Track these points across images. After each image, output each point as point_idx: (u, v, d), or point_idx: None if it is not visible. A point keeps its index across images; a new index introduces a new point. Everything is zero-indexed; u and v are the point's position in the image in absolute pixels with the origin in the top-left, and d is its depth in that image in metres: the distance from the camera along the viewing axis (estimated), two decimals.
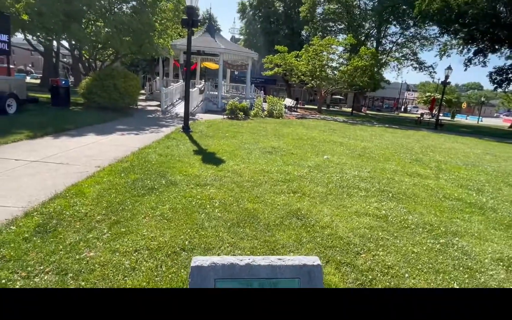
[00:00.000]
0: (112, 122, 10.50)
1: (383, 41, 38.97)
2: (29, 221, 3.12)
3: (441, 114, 26.65)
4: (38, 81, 31.05)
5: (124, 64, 26.06)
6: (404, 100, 61.08)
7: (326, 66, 24.58)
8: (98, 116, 11.20)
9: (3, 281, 2.27)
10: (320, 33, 36.83)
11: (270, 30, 39.69)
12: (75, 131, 8.41)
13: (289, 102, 25.28)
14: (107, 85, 12.81)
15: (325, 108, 35.84)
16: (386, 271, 2.84)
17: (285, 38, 38.03)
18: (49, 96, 13.49)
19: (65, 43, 17.95)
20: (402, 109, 56.34)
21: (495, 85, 29.89)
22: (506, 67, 29.08)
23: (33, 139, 6.98)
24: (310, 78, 25.09)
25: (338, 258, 2.98)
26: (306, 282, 1.80)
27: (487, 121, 47.50)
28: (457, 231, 3.87)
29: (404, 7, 32.96)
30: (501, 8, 25.12)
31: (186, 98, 9.80)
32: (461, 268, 3.02)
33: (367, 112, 40.75)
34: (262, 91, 25.81)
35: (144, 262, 2.65)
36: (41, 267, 2.46)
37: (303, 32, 42.19)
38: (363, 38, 37.04)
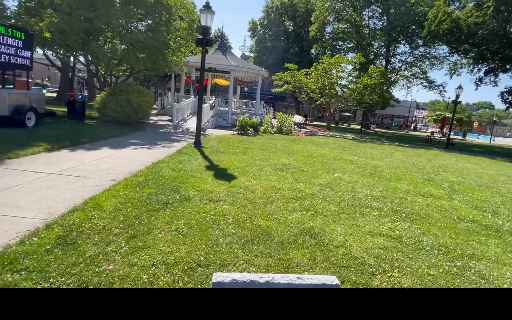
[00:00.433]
0: (125, 137, 10.74)
1: (392, 60, 39.20)
2: (50, 233, 3.21)
3: (452, 133, 26.40)
4: (54, 95, 32.03)
5: (137, 79, 26.78)
6: (413, 118, 60.78)
7: (335, 84, 24.77)
8: (112, 130, 11.47)
9: None
10: (329, 52, 37.34)
11: (280, 48, 40.41)
12: (90, 144, 8.62)
13: (298, 118, 25.44)
14: (121, 100, 13.16)
15: (333, 125, 35.88)
16: None
17: (294, 56, 38.63)
18: (65, 109, 13.93)
19: (81, 58, 18.67)
20: (412, 127, 56.00)
21: (507, 105, 29.57)
22: None
23: (51, 152, 7.19)
24: (320, 95, 25.29)
25: (353, 278, 2.97)
26: None
27: (499, 141, 46.79)
28: (473, 254, 3.81)
29: (413, 27, 33.31)
30: None
31: (198, 114, 10.00)
32: None
33: (376, 129, 40.62)
34: (271, 108, 26.12)
35: (162, 277, 2.69)
36: (63, 279, 2.52)
37: (312, 50, 42.82)
38: (372, 56, 37.39)
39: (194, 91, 22.63)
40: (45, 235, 3.16)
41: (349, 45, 39.60)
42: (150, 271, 2.75)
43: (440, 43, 30.18)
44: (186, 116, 17.84)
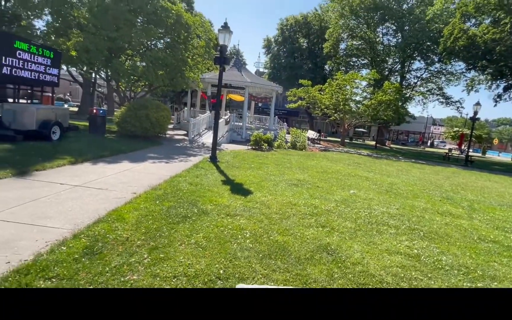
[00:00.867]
0: (143, 150, 11.06)
1: (407, 76, 38.96)
2: (78, 243, 3.37)
3: (470, 150, 25.76)
4: (75, 109, 33.35)
5: (155, 95, 27.59)
6: (430, 134, 59.67)
7: (349, 100, 24.80)
8: (131, 144, 11.83)
9: None
10: (343, 68, 37.55)
11: (294, 64, 40.94)
12: (111, 158, 8.94)
13: (311, 134, 25.48)
14: (140, 115, 13.61)
15: (348, 141, 35.67)
16: None
17: (308, 72, 39.02)
18: (86, 123, 14.51)
19: (102, 74, 19.50)
20: (429, 144, 54.92)
21: None
22: None
23: (74, 165, 7.51)
24: (334, 111, 25.33)
25: None
26: None
27: None
28: (495, 275, 3.73)
29: (428, 43, 33.16)
30: None
31: (214, 130, 10.24)
32: None
33: (392, 146, 40.08)
34: (285, 123, 26.29)
35: None
36: (91, 287, 2.65)
37: (326, 66, 43.15)
38: (386, 72, 37.30)
39: (210, 107, 23.12)
40: (73, 244, 3.33)
41: (363, 61, 39.71)
42: (172, 282, 2.85)
43: (456, 59, 29.88)
44: (201, 131, 18.21)
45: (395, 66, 38.77)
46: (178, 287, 2.79)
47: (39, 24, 44.80)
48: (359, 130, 46.95)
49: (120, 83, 17.46)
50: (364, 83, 27.98)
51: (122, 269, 2.97)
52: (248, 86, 21.16)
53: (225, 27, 9.85)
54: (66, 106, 30.85)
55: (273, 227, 4.48)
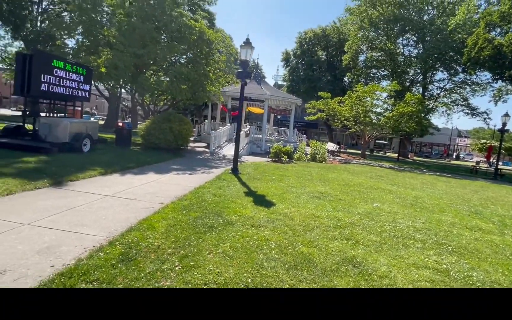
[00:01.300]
0: (167, 162, 11.41)
1: (430, 87, 38.09)
2: (114, 249, 3.57)
3: (500, 163, 24.65)
4: (101, 122, 34.86)
5: (177, 108, 28.44)
6: (455, 146, 57.59)
7: (370, 112, 24.53)
8: (155, 155, 12.23)
9: None
10: (363, 80, 37.26)
11: (312, 76, 41.06)
12: (137, 169, 9.30)
13: (331, 146, 25.30)
14: (163, 128, 14.08)
15: (368, 153, 35.06)
16: None
17: (327, 84, 38.97)
18: (113, 136, 15.17)
19: (127, 89, 20.40)
20: (454, 156, 52.96)
21: None
22: None
23: (104, 175, 7.88)
24: (354, 123, 25.11)
25: None
26: None
27: None
28: None
29: (451, 54, 32.39)
30: None
31: (236, 142, 10.45)
32: None
33: (415, 158, 38.98)
34: (304, 135, 26.27)
35: None
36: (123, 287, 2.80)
37: (346, 78, 42.96)
38: (408, 84, 36.65)
39: (230, 119, 23.57)
40: (109, 251, 3.52)
41: (383, 73, 39.28)
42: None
43: (482, 69, 28.97)
44: (222, 143, 18.54)
45: (416, 77, 38.05)
46: None
47: (71, 42, 47.56)
48: (380, 142, 46.08)
49: (144, 98, 18.17)
50: (384, 94, 27.63)
51: (156, 275, 3.12)
52: (267, 99, 21.44)
53: (247, 43, 10.15)
54: (92, 119, 32.45)
55: (298, 238, 4.53)
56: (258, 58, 64.80)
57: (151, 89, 14.76)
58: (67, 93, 10.39)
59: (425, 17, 35.82)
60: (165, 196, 6.42)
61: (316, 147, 18.35)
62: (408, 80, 37.36)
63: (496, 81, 29.87)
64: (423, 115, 25.77)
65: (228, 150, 17.13)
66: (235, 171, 10.09)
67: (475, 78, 34.44)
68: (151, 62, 15.62)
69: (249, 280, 3.20)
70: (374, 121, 24.65)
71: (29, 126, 10.29)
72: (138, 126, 23.20)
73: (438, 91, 37.90)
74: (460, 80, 36.09)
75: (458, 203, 8.86)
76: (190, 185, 7.71)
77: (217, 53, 19.15)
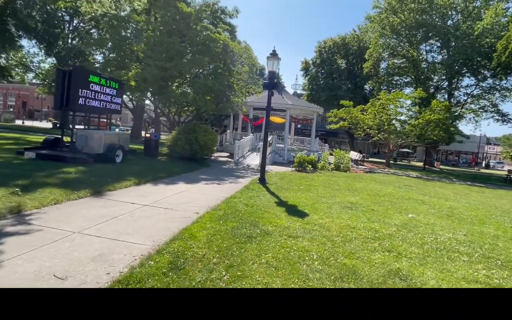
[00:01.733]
0: (194, 172, 11.63)
1: (456, 93, 36.88)
2: (162, 258, 3.67)
3: None
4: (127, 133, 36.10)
5: (199, 118, 29.01)
6: (484, 154, 55.13)
7: (394, 120, 24.04)
8: (182, 165, 12.49)
9: None
10: (385, 87, 36.61)
11: (332, 85, 40.83)
12: (168, 179, 9.54)
13: (354, 155, 24.91)
14: (189, 138, 14.40)
15: (392, 162, 34.22)
16: None
17: (347, 92, 38.60)
18: (139, 146, 15.66)
19: (150, 100, 21.09)
20: (483, 165, 50.68)
21: None
22: None
23: (138, 186, 8.14)
24: (377, 132, 24.66)
25: None
26: None
27: None
28: None
29: (478, 59, 31.31)
30: None
31: (263, 152, 10.53)
32: None
33: (441, 167, 37.63)
34: (326, 144, 26.03)
35: None
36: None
37: (366, 86, 42.41)
38: (432, 90, 35.66)
39: (252, 129, 23.76)
40: (158, 259, 3.63)
41: (406, 80, 38.46)
42: None
43: None
44: (245, 153, 18.69)
45: (441, 84, 36.99)
46: None
47: (99, 57, 49.83)
48: (403, 151, 44.85)
49: (170, 109, 18.70)
50: (408, 102, 27.00)
51: (206, 285, 3.19)
52: (289, 108, 21.48)
53: (274, 55, 10.30)
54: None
55: (338, 250, 4.49)
56: (279, 69, 65.22)
57: (178, 101, 15.18)
58: (101, 106, 10.89)
59: (449, 22, 34.93)
60: (199, 205, 6.55)
61: (340, 156, 18.12)
62: (432, 87, 36.36)
63: None
64: (450, 122, 24.92)
65: (252, 160, 17.25)
66: (262, 181, 10.14)
67: (505, 83, 33.07)
68: (177, 74, 16.10)
69: None
70: (398, 129, 24.08)
71: (66, 138, 10.83)
72: (162, 136, 23.83)
73: (465, 98, 36.60)
74: (488, 86, 34.74)
75: (498, 214, 8.46)
76: (221, 195, 7.82)
77: (240, 65, 19.48)
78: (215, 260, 3.78)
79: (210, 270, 3.51)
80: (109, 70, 16.00)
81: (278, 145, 21.88)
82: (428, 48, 36.83)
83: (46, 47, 33.76)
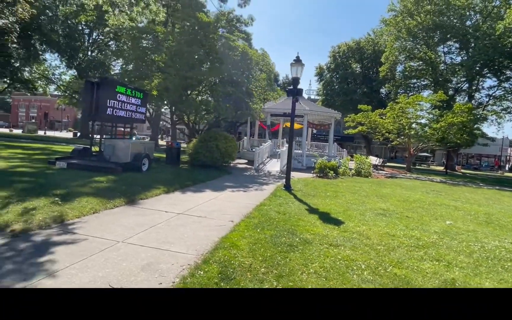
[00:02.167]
0: (218, 179, 11.66)
1: (476, 95, 35.87)
2: (210, 268, 3.64)
3: None
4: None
5: (216, 126, 29.25)
6: (508, 157, 53.21)
7: (414, 123, 23.55)
8: (204, 173, 12.53)
9: None
10: (402, 91, 36.01)
11: (347, 89, 40.51)
12: (194, 187, 9.59)
13: (374, 160, 24.50)
14: (210, 146, 14.48)
15: (411, 166, 33.43)
16: None
17: (363, 97, 38.19)
18: (159, 154, 15.85)
19: (166, 108, 21.39)
20: (507, 168, 48.88)
21: None
22: None
23: (167, 194, 8.20)
24: (397, 136, 24.20)
25: None
26: None
27: None
28: None
29: (500, 59, 30.39)
30: None
31: (288, 159, 10.47)
32: None
33: (462, 171, 36.53)
34: (344, 149, 25.72)
35: None
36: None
37: (382, 90, 41.84)
38: (451, 92, 34.81)
39: (270, 135, 23.75)
40: (207, 269, 3.60)
41: (423, 83, 37.71)
42: None
43: None
44: (264, 159, 18.66)
45: (461, 85, 36.07)
46: None
47: (117, 68, 51.21)
48: (421, 155, 43.85)
49: (190, 117, 18.91)
50: (427, 104, 26.41)
51: None
52: (307, 114, 21.38)
53: (298, 61, 10.28)
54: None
55: (384, 259, 4.35)
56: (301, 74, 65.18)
57: (200, 109, 15.34)
58: (127, 116, 11.10)
59: (468, 23, 34.14)
60: (231, 213, 6.53)
61: (361, 162, 17.84)
62: (451, 89, 35.50)
63: None
64: (475, 125, 24.22)
65: (272, 167, 17.21)
66: (288, 188, 10.06)
67: None
68: (197, 83, 16.30)
69: None
70: (419, 133, 23.55)
71: (95, 148, 11.07)
72: (189, 145, 24.04)
73: (487, 99, 35.53)
74: (511, 87, 33.62)
75: None
76: (249, 203, 7.79)
77: (258, 72, 19.56)
78: (263, 270, 3.72)
79: (261, 280, 3.45)
80: (126, 79, 16.36)
81: (296, 151, 21.74)
82: (446, 49, 36.06)
83: (68, 60, 34.98)
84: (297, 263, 4.00)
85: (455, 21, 33.45)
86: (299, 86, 10.49)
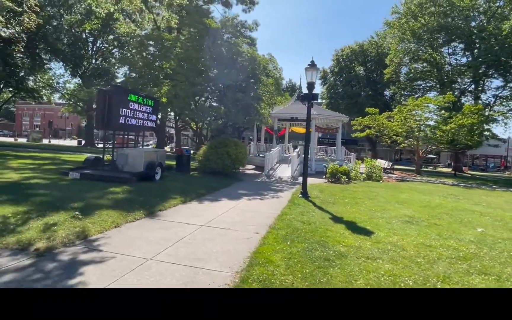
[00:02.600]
0: (231, 187, 11.45)
1: (483, 96, 35.60)
2: (252, 287, 3.43)
3: None
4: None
5: (222, 132, 29.11)
6: None
7: (423, 125, 23.32)
8: (216, 180, 12.32)
9: None
10: (407, 93, 35.82)
11: (352, 92, 40.39)
12: (210, 196, 9.37)
13: (383, 163, 24.24)
14: (221, 153, 14.29)
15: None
16: None
17: (368, 99, 38.03)
18: (171, 162, 15.66)
19: (171, 115, 21.30)
20: None
21: None
22: None
23: (185, 204, 7.99)
24: (405, 138, 23.96)
25: None
26: None
27: None
28: None
29: (507, 59, 30.14)
30: None
31: (304, 165, 10.25)
32: None
33: (470, 172, 36.18)
34: (352, 153, 25.49)
35: None
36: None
37: (386, 92, 41.67)
38: (457, 93, 34.56)
39: (277, 140, 23.56)
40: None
41: (428, 84, 37.50)
42: None
43: None
44: (274, 164, 18.45)
45: (467, 87, 35.83)
46: None
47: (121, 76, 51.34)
48: (428, 157, 43.56)
49: (198, 124, 18.75)
50: (436, 106, 26.16)
51: None
52: (315, 118, 21.16)
53: (312, 65, 10.10)
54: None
55: (428, 273, 4.12)
56: (301, 79, 65.30)
57: (210, 115, 15.19)
58: (139, 124, 10.94)
59: (473, 23, 33.98)
60: (254, 224, 6.32)
61: (372, 166, 17.61)
62: (457, 90, 35.26)
63: None
64: (486, 126, 23.95)
65: (282, 172, 16.99)
66: (305, 195, 9.84)
67: None
68: (205, 89, 16.17)
69: None
70: (429, 135, 23.31)
71: (107, 157, 10.90)
72: (199, 151, 23.89)
73: (493, 100, 35.25)
74: None
75: None
76: (270, 212, 7.58)
77: (265, 77, 19.44)
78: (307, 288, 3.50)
79: None
80: (130, 87, 16.25)
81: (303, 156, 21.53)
82: (450, 50, 35.89)
83: (72, 68, 35.03)
84: (340, 280, 3.77)
85: (459, 22, 33.30)
86: (302, 90, 10.30)
